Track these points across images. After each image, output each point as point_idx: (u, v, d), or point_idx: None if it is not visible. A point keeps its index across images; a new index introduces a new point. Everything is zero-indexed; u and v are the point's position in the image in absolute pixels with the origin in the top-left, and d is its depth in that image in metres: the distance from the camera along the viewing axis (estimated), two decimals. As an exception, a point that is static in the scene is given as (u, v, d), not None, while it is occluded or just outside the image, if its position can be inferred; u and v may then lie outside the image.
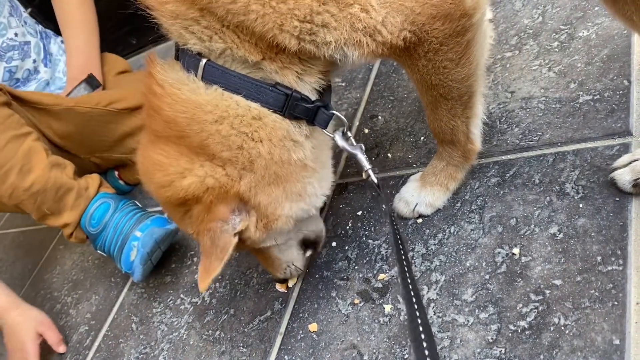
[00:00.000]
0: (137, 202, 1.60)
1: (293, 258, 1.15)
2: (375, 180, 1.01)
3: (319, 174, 1.01)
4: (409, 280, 0.78)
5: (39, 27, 1.90)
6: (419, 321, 0.71)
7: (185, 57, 0.92)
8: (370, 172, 1.02)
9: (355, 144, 1.03)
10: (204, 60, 0.90)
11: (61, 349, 1.57)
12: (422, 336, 0.67)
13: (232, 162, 0.93)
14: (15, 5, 1.80)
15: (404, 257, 0.84)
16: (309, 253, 1.18)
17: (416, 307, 0.74)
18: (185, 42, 0.90)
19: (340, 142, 1.01)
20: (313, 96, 0.96)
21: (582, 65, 1.18)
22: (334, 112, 0.97)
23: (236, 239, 0.95)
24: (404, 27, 0.85)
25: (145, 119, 1.00)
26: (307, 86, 0.95)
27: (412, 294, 0.76)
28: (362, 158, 1.02)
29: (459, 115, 1.02)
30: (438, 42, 0.88)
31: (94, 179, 1.57)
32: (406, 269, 0.81)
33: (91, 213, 1.50)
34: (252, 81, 0.91)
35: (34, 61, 1.78)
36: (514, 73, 1.27)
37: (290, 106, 0.93)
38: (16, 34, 1.74)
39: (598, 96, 1.11)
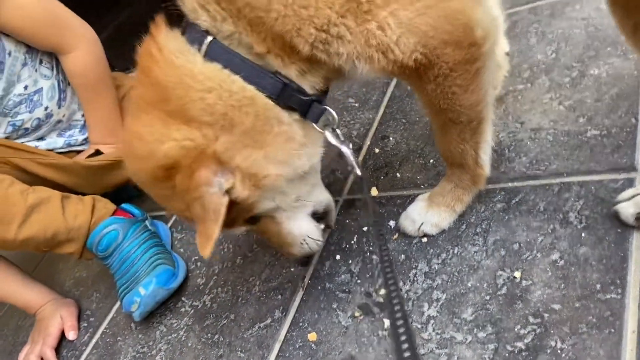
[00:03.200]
0: (147, 225, 1.61)
1: (306, 230, 1.11)
2: (359, 173, 1.03)
3: (307, 149, 1.01)
4: (394, 295, 0.77)
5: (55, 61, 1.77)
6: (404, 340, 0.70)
7: (192, 32, 0.93)
8: (355, 165, 1.03)
9: (343, 139, 1.04)
10: (210, 37, 0.91)
11: (71, 335, 1.61)
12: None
13: (211, 124, 0.92)
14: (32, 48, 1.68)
15: (388, 270, 0.83)
16: (322, 226, 1.15)
17: (401, 325, 0.73)
18: (197, 18, 0.91)
19: (330, 138, 1.03)
20: (310, 90, 0.98)
21: (592, 101, 1.21)
22: (327, 107, 0.99)
23: (227, 199, 0.93)
24: (416, 49, 0.88)
25: (134, 87, 1.00)
26: (308, 83, 0.97)
27: (398, 309, 0.75)
28: (349, 153, 1.04)
29: (467, 140, 1.05)
30: (448, 67, 0.91)
31: (85, 204, 1.54)
32: (391, 283, 0.80)
33: (98, 240, 1.50)
34: (253, 65, 0.93)
35: (46, 108, 1.71)
36: (525, 105, 1.31)
37: (286, 95, 0.94)
38: (26, 87, 1.64)
39: (605, 132, 1.14)
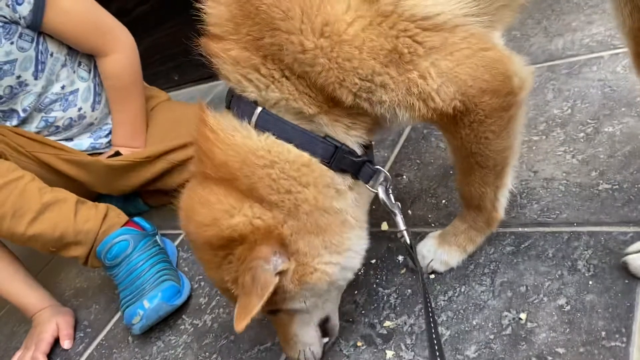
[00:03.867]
0: (157, 240, 1.62)
1: (310, 339, 1.09)
2: (409, 241, 1.06)
3: (356, 232, 1.03)
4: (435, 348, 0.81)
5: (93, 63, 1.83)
6: None
7: (240, 104, 0.96)
8: (405, 233, 1.06)
9: (394, 201, 1.06)
10: (259, 109, 0.94)
11: (66, 344, 1.60)
12: None
13: (279, 206, 0.95)
14: (72, 50, 1.75)
15: (432, 326, 0.88)
16: (325, 340, 1.14)
17: None
18: (244, 90, 0.95)
19: (382, 196, 1.04)
20: (359, 151, 1.00)
21: (605, 157, 1.25)
22: (379, 167, 1.03)
23: (277, 280, 0.93)
24: (455, 97, 0.92)
25: (195, 166, 1.02)
26: (353, 140, 1.00)
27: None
28: (399, 219, 1.06)
29: (490, 184, 1.08)
30: (484, 114, 0.95)
31: (98, 211, 1.56)
32: (434, 337, 0.84)
33: (108, 248, 1.51)
34: (304, 131, 0.96)
35: (80, 109, 1.78)
36: (539, 155, 1.34)
37: (338, 158, 0.97)
38: (63, 87, 1.73)
39: (617, 186, 1.17)
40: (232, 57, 0.93)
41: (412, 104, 0.92)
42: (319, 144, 0.96)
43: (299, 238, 0.97)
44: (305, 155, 0.96)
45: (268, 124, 0.95)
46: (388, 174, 1.05)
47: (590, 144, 1.30)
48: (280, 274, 0.95)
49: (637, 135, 1.25)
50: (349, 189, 1.01)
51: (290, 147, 0.95)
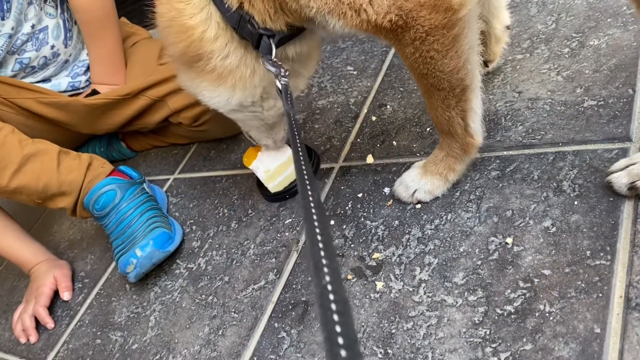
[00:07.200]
0: (145, 188, 1.60)
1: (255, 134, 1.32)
2: (280, 87, 1.00)
3: (215, 83, 1.08)
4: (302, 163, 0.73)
5: None
6: (310, 199, 0.64)
7: None
8: (278, 84, 1.00)
9: (284, 73, 1.02)
10: None
11: (66, 295, 1.62)
12: (313, 210, 0.61)
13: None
14: None
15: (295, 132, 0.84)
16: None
17: (309, 187, 0.67)
18: None
19: (266, 64, 1.00)
20: (279, 30, 1.00)
21: (590, 72, 1.21)
22: (273, 44, 0.99)
23: None
24: (390, 11, 0.87)
25: None
26: (273, 22, 0.99)
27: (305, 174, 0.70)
28: (271, 68, 1.00)
29: (453, 107, 1.03)
30: (424, 31, 0.89)
31: (82, 160, 1.54)
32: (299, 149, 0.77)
33: (95, 198, 1.50)
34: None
35: (52, 47, 1.73)
36: (523, 74, 1.31)
37: (241, 26, 0.98)
38: (32, 26, 1.66)
39: (602, 102, 1.14)
40: None
41: (344, 12, 0.88)
42: (228, 10, 0.98)
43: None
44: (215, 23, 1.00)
45: None
46: (275, 51, 1.00)
47: (575, 59, 1.26)
48: None
49: (622, 47, 1.21)
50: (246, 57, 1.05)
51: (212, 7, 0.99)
